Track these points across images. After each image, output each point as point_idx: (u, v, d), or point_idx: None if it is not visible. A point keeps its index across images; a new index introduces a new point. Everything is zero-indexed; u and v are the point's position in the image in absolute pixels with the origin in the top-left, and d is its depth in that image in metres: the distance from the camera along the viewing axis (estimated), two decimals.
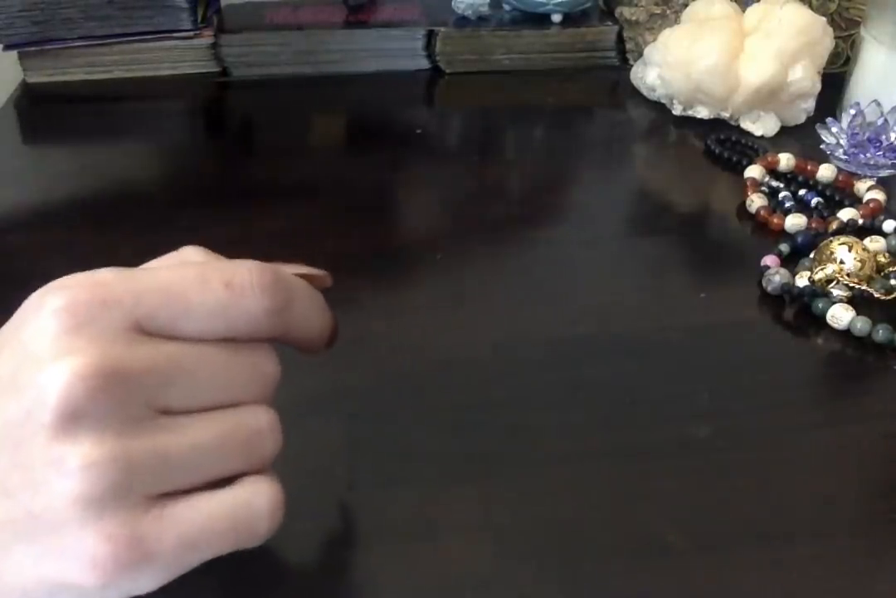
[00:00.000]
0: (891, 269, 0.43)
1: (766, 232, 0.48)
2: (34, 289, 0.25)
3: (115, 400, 0.23)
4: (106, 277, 0.25)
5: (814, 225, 0.48)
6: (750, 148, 0.56)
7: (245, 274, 0.25)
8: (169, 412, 0.24)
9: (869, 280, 0.42)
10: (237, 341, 0.26)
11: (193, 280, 0.25)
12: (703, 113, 0.59)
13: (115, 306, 0.24)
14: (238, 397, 0.26)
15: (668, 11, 0.65)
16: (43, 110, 0.63)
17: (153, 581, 0.24)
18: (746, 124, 0.58)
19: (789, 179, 0.53)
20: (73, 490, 0.23)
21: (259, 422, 0.26)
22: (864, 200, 0.50)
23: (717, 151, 0.55)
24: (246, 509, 0.25)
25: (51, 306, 0.23)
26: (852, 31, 0.62)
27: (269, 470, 0.27)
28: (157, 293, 0.24)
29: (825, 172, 0.52)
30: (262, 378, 0.27)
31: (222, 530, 0.25)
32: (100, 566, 0.23)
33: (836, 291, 0.42)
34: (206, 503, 0.25)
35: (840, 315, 0.41)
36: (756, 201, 0.49)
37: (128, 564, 0.23)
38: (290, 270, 0.28)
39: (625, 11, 0.66)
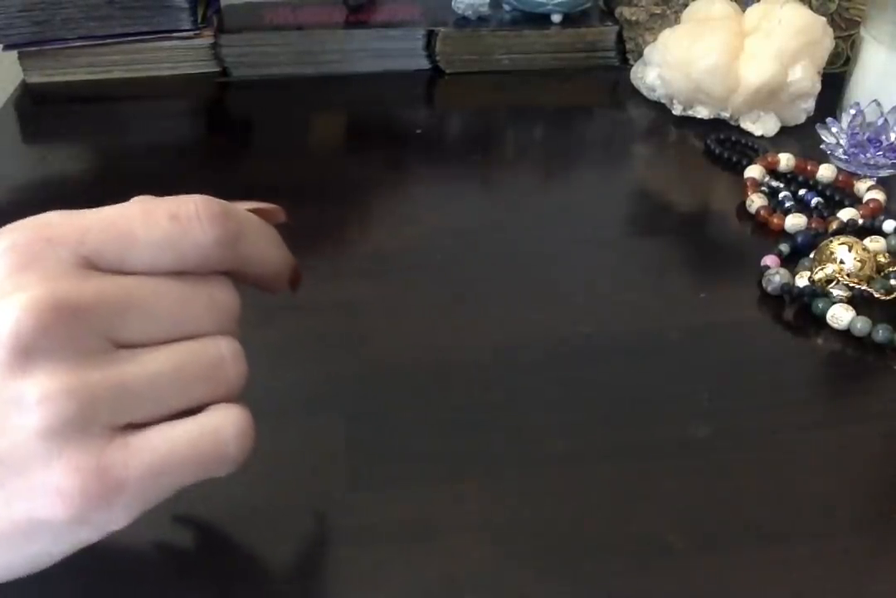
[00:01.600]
0: (891, 269, 0.43)
1: (766, 232, 0.48)
2: None
3: (68, 333, 0.23)
4: (51, 218, 0.25)
5: (814, 225, 0.48)
6: (750, 148, 0.56)
7: (191, 206, 0.25)
8: (127, 346, 0.24)
9: (869, 280, 0.42)
10: (190, 274, 0.26)
11: (138, 215, 0.25)
12: (703, 113, 0.59)
13: (60, 243, 0.24)
14: (197, 329, 0.26)
15: (668, 11, 0.65)
16: (43, 110, 0.63)
17: (126, 514, 0.24)
18: (746, 124, 0.58)
19: (789, 179, 0.53)
20: (33, 425, 0.22)
21: (220, 351, 0.26)
22: (864, 200, 0.50)
23: (717, 151, 0.55)
24: (212, 435, 0.25)
25: None
26: (852, 31, 0.62)
27: (236, 399, 0.26)
28: (102, 229, 0.24)
29: (825, 172, 0.52)
30: (220, 309, 0.26)
31: (189, 455, 0.24)
32: (68, 500, 0.23)
33: (836, 292, 0.42)
34: (172, 431, 0.24)
35: (840, 315, 0.41)
36: (756, 201, 0.49)
37: (96, 495, 0.23)
38: (241, 206, 0.28)
39: (625, 11, 0.66)
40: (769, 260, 0.45)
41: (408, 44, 0.66)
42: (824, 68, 0.58)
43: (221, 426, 0.25)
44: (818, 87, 0.58)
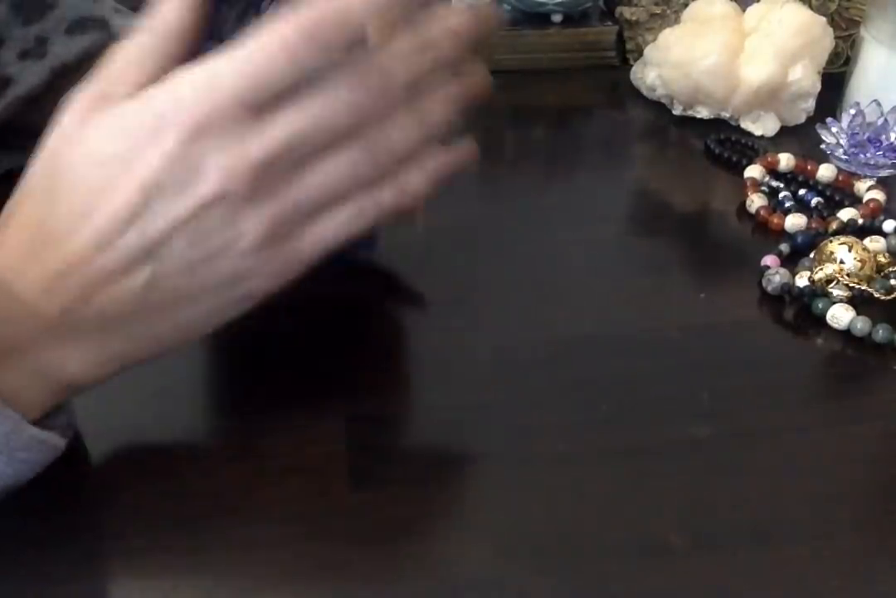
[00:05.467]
0: (891, 269, 0.43)
1: (766, 232, 0.48)
2: None
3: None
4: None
5: (814, 225, 0.48)
6: (750, 148, 0.56)
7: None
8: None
9: (869, 280, 0.42)
10: None
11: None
12: (703, 113, 0.59)
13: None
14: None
15: (668, 11, 0.65)
16: None
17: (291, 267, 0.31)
18: (746, 124, 0.58)
19: (789, 179, 0.53)
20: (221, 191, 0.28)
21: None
22: (864, 200, 0.50)
23: (717, 151, 0.55)
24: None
25: None
26: (852, 31, 0.62)
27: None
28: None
29: (825, 172, 0.52)
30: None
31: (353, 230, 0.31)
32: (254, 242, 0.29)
33: (836, 291, 0.42)
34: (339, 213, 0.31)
35: (840, 315, 0.41)
36: (756, 201, 0.49)
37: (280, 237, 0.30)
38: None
39: (625, 11, 0.66)
40: (769, 260, 0.45)
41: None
42: (824, 68, 0.58)
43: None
44: (818, 87, 0.58)
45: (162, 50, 0.29)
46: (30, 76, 0.45)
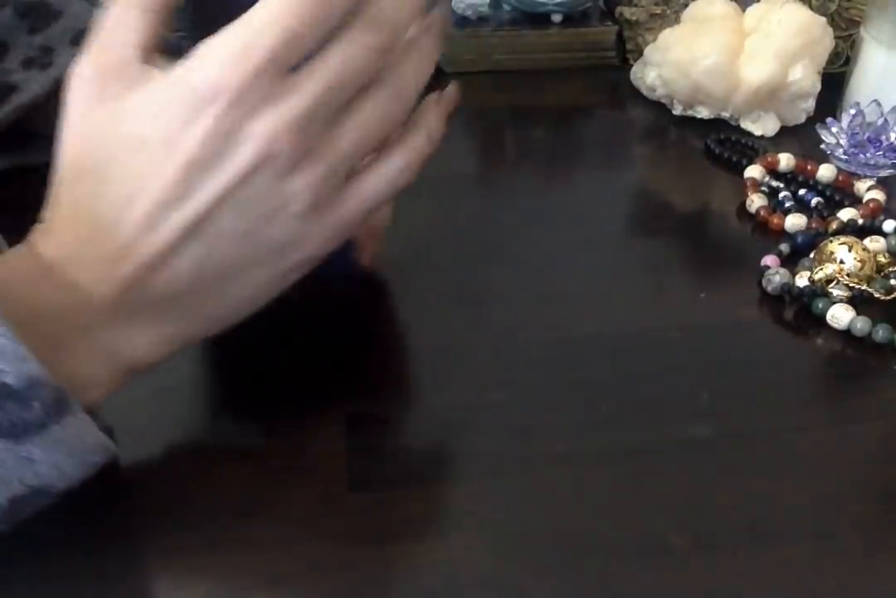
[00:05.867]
0: (891, 269, 0.43)
1: (766, 232, 0.48)
2: None
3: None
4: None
5: (814, 225, 0.48)
6: (750, 148, 0.56)
7: None
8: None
9: (869, 280, 0.42)
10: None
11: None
12: (703, 113, 0.59)
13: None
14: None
15: (668, 11, 0.65)
16: None
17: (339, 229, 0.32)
18: (746, 124, 0.58)
19: (789, 179, 0.53)
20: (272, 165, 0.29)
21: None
22: (864, 200, 0.50)
23: (717, 151, 0.55)
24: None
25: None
26: (852, 31, 0.62)
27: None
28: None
29: (825, 172, 0.52)
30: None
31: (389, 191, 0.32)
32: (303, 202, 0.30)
33: (836, 291, 0.42)
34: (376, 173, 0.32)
35: (840, 315, 0.41)
36: (756, 201, 0.49)
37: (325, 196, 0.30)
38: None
39: (625, 11, 0.66)
40: (769, 260, 0.45)
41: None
42: (824, 68, 0.58)
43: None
44: (818, 87, 0.58)
45: (150, 4, 0.30)
46: (34, 85, 0.45)
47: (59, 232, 0.30)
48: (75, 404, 0.28)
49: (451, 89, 0.34)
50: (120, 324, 0.30)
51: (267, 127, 0.28)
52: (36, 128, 0.46)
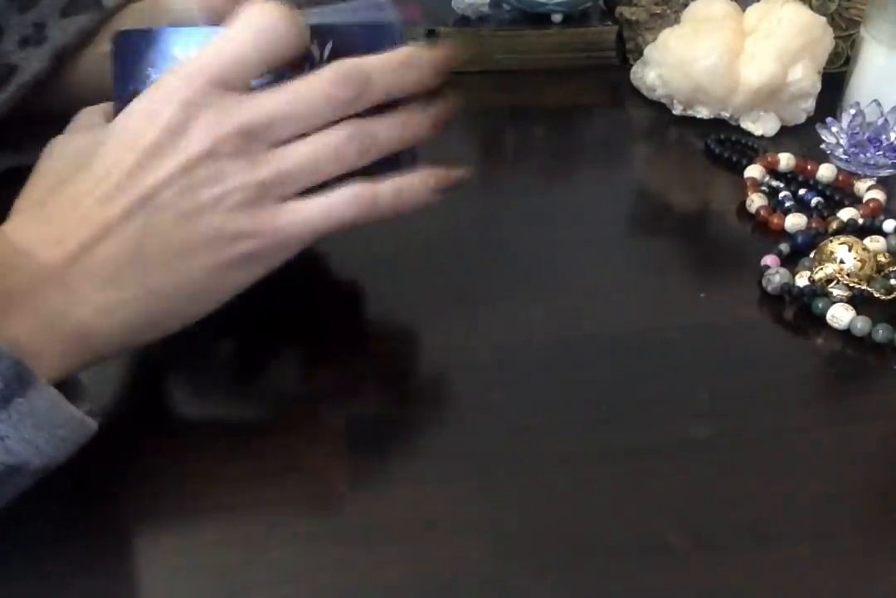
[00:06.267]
0: (891, 269, 0.43)
1: (766, 232, 0.48)
2: None
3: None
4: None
5: (814, 225, 0.48)
6: (750, 148, 0.56)
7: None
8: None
9: (869, 280, 0.42)
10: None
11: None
12: (703, 113, 0.59)
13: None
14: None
15: (668, 11, 0.65)
16: None
17: (288, 252, 0.35)
18: (746, 124, 0.58)
19: (789, 178, 0.53)
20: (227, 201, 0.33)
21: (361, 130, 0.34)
22: (864, 200, 0.50)
23: (717, 151, 0.55)
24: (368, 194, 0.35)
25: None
26: (852, 31, 0.62)
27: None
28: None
29: (825, 171, 0.52)
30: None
31: (344, 212, 0.34)
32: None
33: (836, 291, 0.42)
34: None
35: (840, 315, 0.41)
36: (756, 201, 0.49)
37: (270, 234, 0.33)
38: None
39: (625, 11, 0.66)
40: (769, 260, 0.45)
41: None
42: (824, 68, 0.58)
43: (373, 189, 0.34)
44: (818, 87, 0.58)
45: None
46: (33, 62, 0.46)
47: (22, 210, 0.33)
48: (38, 377, 0.29)
49: (446, 106, 0.37)
50: (66, 289, 0.31)
51: (213, 127, 0.32)
52: (37, 111, 0.46)
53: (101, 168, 0.33)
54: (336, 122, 0.34)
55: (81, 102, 0.45)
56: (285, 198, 0.34)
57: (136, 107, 0.33)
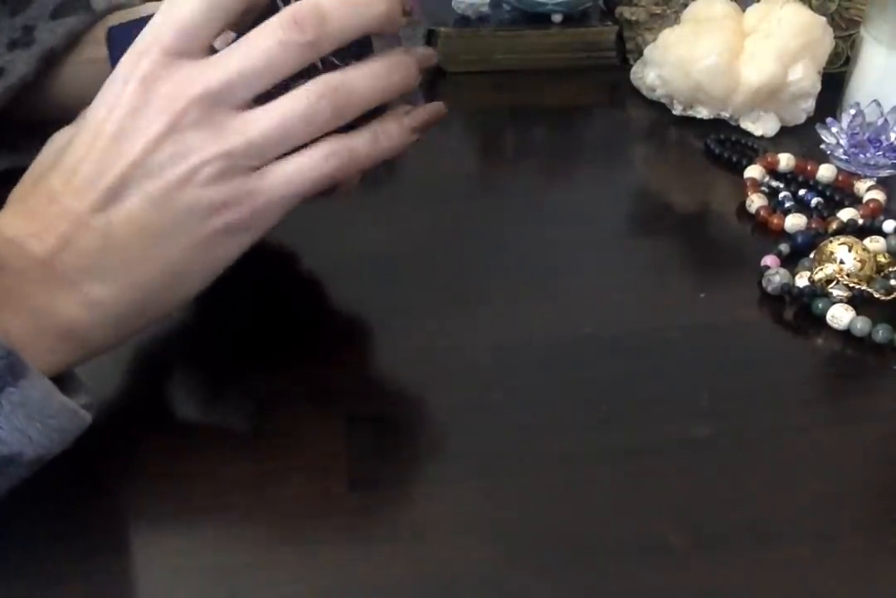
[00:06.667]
0: (891, 269, 0.43)
1: (766, 232, 0.48)
2: None
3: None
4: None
5: (814, 225, 0.48)
6: (750, 148, 0.56)
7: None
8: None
9: (869, 280, 0.42)
10: None
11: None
12: (703, 113, 0.59)
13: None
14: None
15: (668, 11, 0.65)
16: None
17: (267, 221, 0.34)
18: (746, 124, 0.58)
19: (789, 179, 0.53)
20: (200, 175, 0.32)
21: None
22: (864, 200, 0.50)
23: (717, 151, 0.55)
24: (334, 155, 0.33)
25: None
26: (852, 31, 0.62)
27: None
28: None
29: (825, 172, 0.52)
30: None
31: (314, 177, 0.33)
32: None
33: (836, 292, 0.42)
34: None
35: (840, 315, 0.41)
36: (756, 201, 0.49)
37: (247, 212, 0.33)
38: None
39: (625, 11, 0.66)
40: (769, 260, 0.45)
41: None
42: (824, 68, 0.58)
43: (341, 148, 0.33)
44: (818, 87, 0.58)
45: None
46: (20, 65, 0.45)
47: (8, 204, 0.33)
48: (30, 367, 0.29)
49: (434, 106, 0.37)
50: (47, 284, 0.31)
51: (171, 101, 0.31)
52: (23, 115, 0.46)
53: (72, 159, 0.32)
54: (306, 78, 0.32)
55: (69, 106, 0.45)
56: (258, 165, 0.32)
57: (102, 93, 0.33)
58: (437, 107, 0.37)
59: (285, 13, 0.32)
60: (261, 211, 0.33)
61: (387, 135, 0.34)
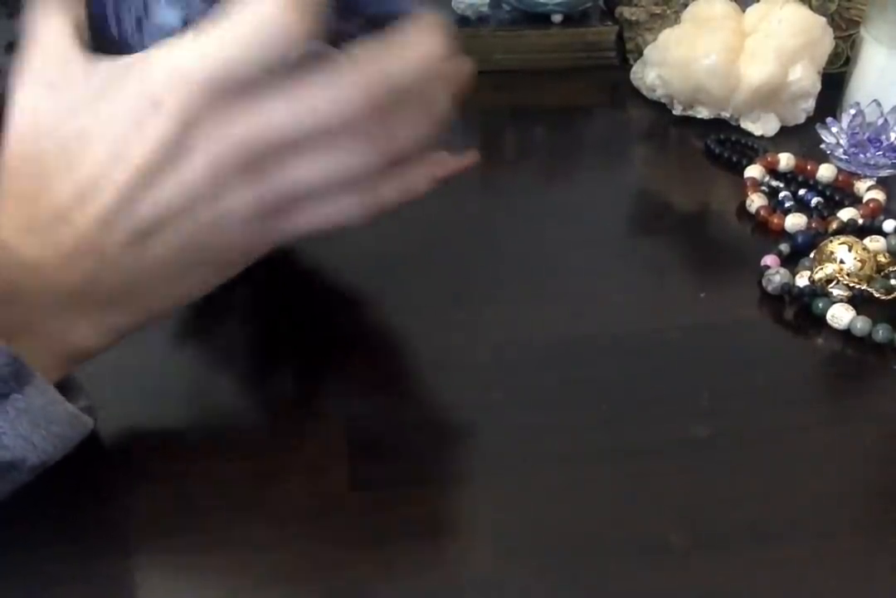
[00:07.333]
0: (891, 269, 0.43)
1: (766, 232, 0.48)
2: None
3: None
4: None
5: (814, 225, 0.48)
6: (750, 148, 0.56)
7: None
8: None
9: (869, 280, 0.42)
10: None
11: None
12: (703, 113, 0.59)
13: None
14: None
15: (668, 11, 0.65)
16: None
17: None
18: (746, 124, 0.58)
19: (789, 178, 0.53)
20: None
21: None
22: (864, 200, 0.50)
23: (717, 151, 0.55)
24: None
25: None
26: (852, 31, 0.62)
27: None
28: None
29: (825, 172, 0.52)
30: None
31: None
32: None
33: (836, 291, 0.42)
34: None
35: (840, 315, 0.41)
36: (756, 201, 0.49)
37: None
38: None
39: (625, 11, 0.66)
40: (769, 260, 0.45)
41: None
42: (824, 68, 0.58)
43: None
44: (818, 87, 0.57)
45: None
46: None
47: (12, 217, 0.31)
48: (36, 374, 0.29)
49: (465, 158, 0.37)
50: (71, 313, 0.31)
51: (213, 145, 0.29)
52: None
53: (86, 177, 0.29)
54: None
55: None
56: (290, 210, 0.32)
57: (119, 104, 0.29)
58: (471, 158, 0.37)
59: (360, 83, 0.30)
60: (278, 243, 0.33)
61: (416, 184, 0.35)
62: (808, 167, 0.52)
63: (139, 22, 0.31)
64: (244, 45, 0.28)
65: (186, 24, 0.30)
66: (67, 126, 0.30)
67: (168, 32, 0.30)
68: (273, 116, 0.29)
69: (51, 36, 0.31)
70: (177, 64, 0.29)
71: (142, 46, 0.30)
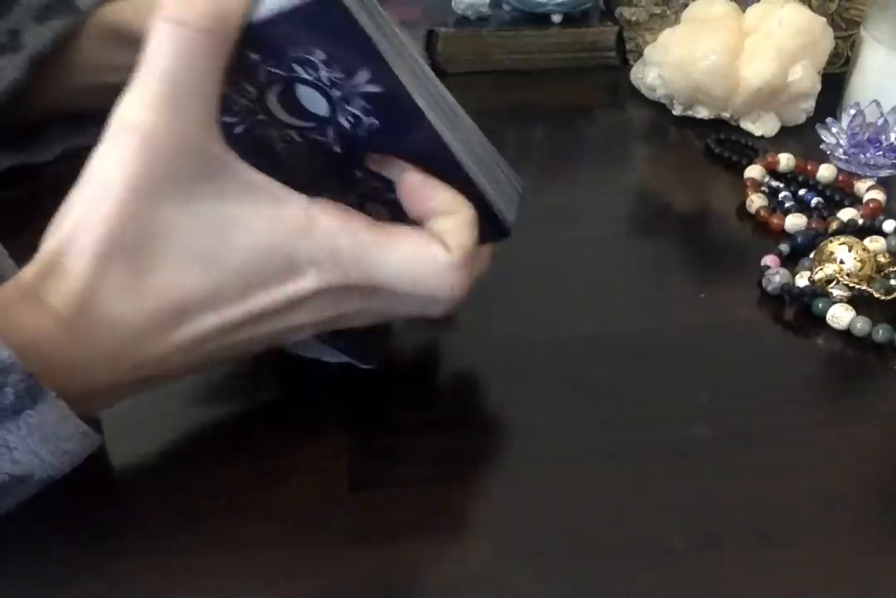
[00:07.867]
0: (891, 269, 0.43)
1: (766, 232, 0.48)
2: None
3: None
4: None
5: (814, 225, 0.48)
6: (750, 148, 0.56)
7: None
8: None
9: (869, 280, 0.42)
10: None
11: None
12: (703, 113, 0.59)
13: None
14: None
15: (668, 11, 0.65)
16: None
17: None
18: (746, 124, 0.58)
19: (789, 179, 0.53)
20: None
21: None
22: (864, 200, 0.50)
23: (717, 151, 0.55)
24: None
25: None
26: (852, 31, 0.62)
27: None
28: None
29: (825, 172, 0.52)
30: None
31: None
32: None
33: (836, 291, 0.42)
34: None
35: (840, 315, 0.41)
36: (756, 201, 0.49)
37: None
38: None
39: (625, 11, 0.66)
40: (769, 260, 0.45)
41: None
42: (824, 68, 0.58)
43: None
44: (818, 87, 0.58)
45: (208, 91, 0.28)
46: (9, 70, 0.45)
47: (71, 296, 0.29)
48: (49, 390, 0.28)
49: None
50: (105, 392, 0.31)
51: (325, 273, 0.30)
52: (21, 117, 0.46)
53: (212, 287, 0.30)
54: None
55: (60, 108, 0.44)
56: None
57: (266, 228, 0.30)
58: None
59: (459, 266, 0.33)
60: None
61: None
62: (808, 167, 0.52)
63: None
64: (396, 277, 0.31)
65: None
66: (181, 235, 0.29)
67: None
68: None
69: (182, 101, 0.28)
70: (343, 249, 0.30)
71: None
